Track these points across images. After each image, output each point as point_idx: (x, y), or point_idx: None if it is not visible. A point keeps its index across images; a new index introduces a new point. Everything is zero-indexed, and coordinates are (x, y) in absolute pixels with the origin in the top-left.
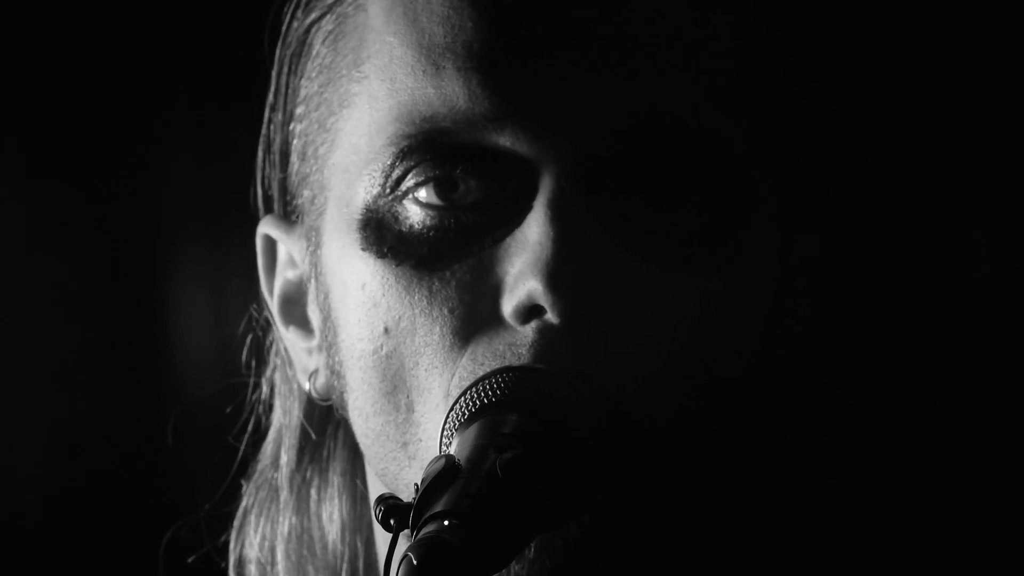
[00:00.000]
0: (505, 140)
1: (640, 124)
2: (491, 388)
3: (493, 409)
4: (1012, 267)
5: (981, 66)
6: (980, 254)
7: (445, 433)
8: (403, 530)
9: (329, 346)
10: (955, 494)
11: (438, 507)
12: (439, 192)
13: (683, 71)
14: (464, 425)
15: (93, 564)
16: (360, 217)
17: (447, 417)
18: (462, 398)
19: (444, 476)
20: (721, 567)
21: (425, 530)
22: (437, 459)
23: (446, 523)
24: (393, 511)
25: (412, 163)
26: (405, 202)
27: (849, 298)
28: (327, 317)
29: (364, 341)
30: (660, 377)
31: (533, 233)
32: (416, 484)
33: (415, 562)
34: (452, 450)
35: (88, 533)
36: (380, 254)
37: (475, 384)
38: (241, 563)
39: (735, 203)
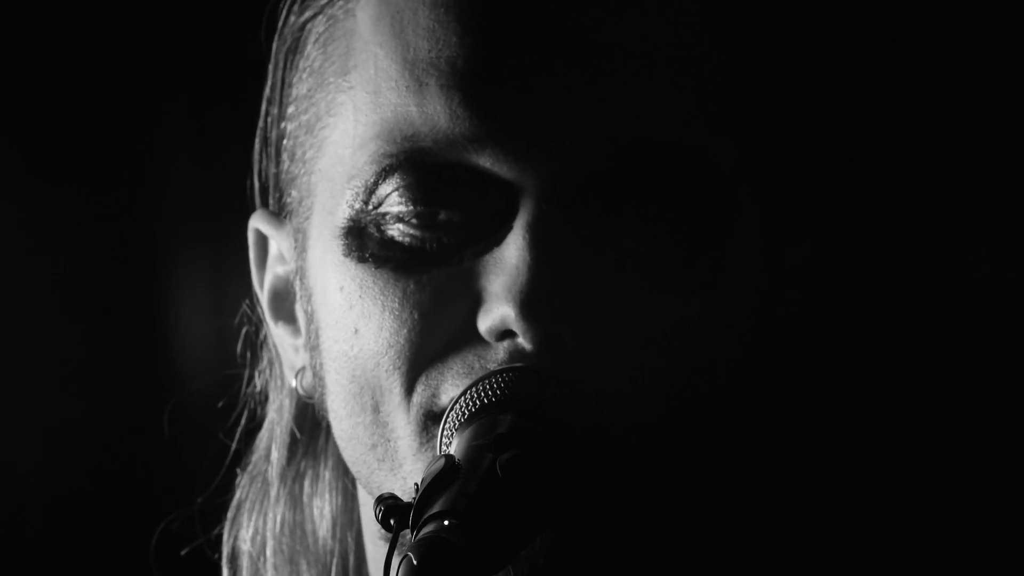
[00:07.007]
0: (485, 161)
1: (622, 146)
2: (490, 388)
3: (492, 409)
4: (1007, 276)
5: (974, 80)
6: (973, 261)
7: (445, 433)
8: (403, 530)
9: (313, 347)
10: (948, 505)
11: (437, 507)
12: (420, 209)
13: (667, 91)
14: (464, 425)
15: (89, 556)
16: (343, 226)
17: (447, 417)
18: (461, 398)
19: (444, 476)
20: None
21: (425, 530)
22: (437, 459)
23: (446, 523)
24: (393, 511)
25: (394, 182)
26: (387, 216)
27: (840, 307)
28: (311, 320)
29: (339, 343)
30: (641, 392)
31: (511, 256)
32: (416, 484)
33: (415, 562)
34: (452, 450)
35: (85, 526)
36: (361, 259)
37: (474, 384)
38: (234, 556)
39: (719, 219)
